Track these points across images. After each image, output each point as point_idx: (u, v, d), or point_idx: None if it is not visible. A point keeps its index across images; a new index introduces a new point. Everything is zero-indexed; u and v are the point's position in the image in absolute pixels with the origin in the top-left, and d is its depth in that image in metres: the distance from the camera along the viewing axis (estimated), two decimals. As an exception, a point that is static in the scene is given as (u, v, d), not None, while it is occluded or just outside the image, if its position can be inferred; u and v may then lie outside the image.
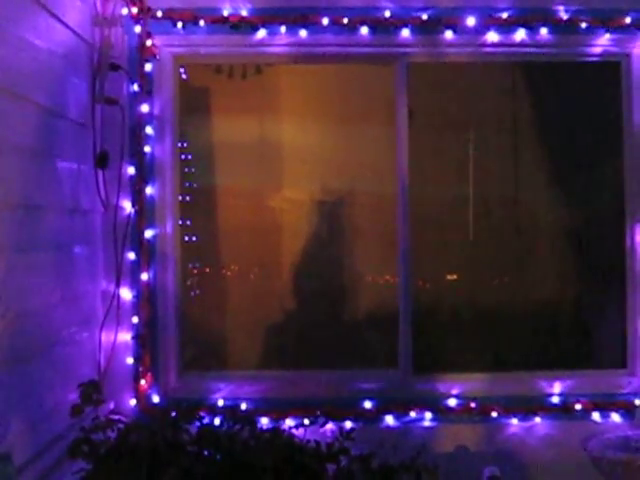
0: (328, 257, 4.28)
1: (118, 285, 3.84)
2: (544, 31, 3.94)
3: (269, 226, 4.27)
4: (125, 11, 3.84)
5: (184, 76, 4.13)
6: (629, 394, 3.97)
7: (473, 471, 3.78)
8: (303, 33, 3.92)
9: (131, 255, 3.88)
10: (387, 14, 3.91)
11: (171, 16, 3.87)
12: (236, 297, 4.26)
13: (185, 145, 4.14)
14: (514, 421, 3.93)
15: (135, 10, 3.84)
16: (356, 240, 4.28)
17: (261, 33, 3.92)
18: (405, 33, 3.94)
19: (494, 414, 3.92)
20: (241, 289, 4.26)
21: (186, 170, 4.15)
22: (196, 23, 3.88)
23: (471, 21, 3.92)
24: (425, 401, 3.95)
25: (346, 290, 4.27)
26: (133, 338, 3.87)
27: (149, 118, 3.91)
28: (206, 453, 2.93)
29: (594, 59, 4.11)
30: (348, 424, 3.75)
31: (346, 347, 4.17)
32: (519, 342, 4.19)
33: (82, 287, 3.65)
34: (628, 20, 3.91)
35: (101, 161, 3.73)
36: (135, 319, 3.87)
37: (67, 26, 3.40)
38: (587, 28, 3.93)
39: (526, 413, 3.93)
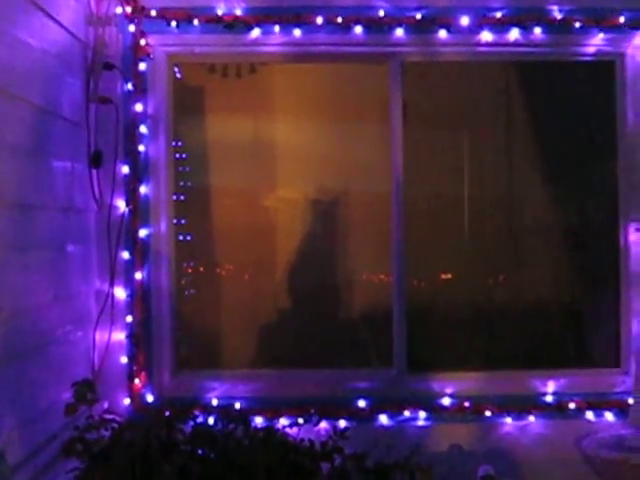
0: (322, 256, 4.29)
1: (112, 284, 3.83)
2: (538, 31, 3.95)
3: (263, 225, 4.28)
4: (119, 10, 3.84)
5: (178, 75, 4.13)
6: (623, 393, 3.97)
7: (467, 470, 3.78)
8: (297, 32, 3.92)
9: (125, 254, 3.87)
10: (381, 13, 3.92)
11: (165, 15, 3.87)
12: (230, 296, 4.26)
13: (179, 144, 4.14)
14: (508, 420, 3.93)
15: (129, 9, 3.84)
16: (350, 239, 4.29)
17: (255, 32, 3.92)
18: (399, 32, 3.94)
19: (488, 413, 3.92)
20: (235, 288, 4.25)
21: (180, 169, 4.15)
22: (190, 22, 3.87)
23: (465, 20, 3.92)
24: (419, 400, 3.95)
25: (340, 289, 4.28)
26: (127, 337, 3.86)
27: (143, 117, 3.90)
28: (200, 452, 2.93)
29: (588, 59, 4.12)
30: (342, 423, 3.75)
31: (340, 346, 4.18)
32: (513, 341, 4.20)
33: (76, 286, 3.65)
34: (622, 20, 3.92)
35: (95, 160, 3.72)
36: (129, 318, 3.87)
37: (61, 25, 3.40)
38: (581, 28, 3.94)
39: (520, 412, 3.93)
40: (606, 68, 4.11)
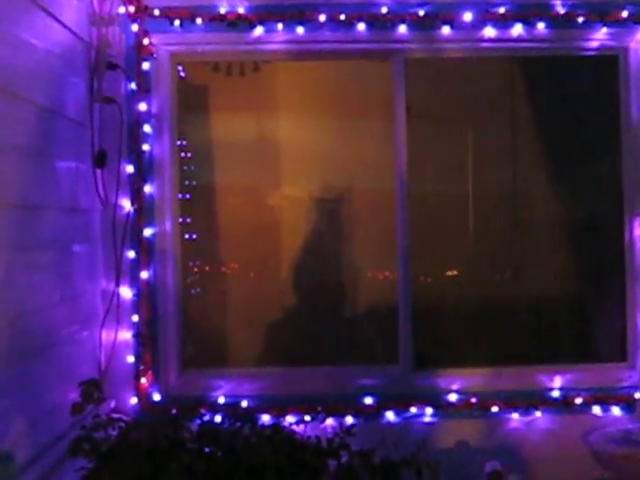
0: (327, 253, 4.29)
1: (118, 284, 3.84)
2: (541, 26, 3.94)
3: (268, 223, 4.28)
4: (122, 10, 3.84)
5: (182, 74, 4.14)
6: (629, 387, 3.97)
7: (474, 466, 3.77)
8: (300, 30, 3.92)
9: (131, 254, 3.88)
10: (384, 10, 3.91)
11: (168, 14, 3.87)
12: (236, 295, 4.27)
13: (184, 143, 4.14)
14: (515, 416, 3.93)
15: (132, 9, 3.84)
16: (355, 236, 4.29)
17: (258, 30, 3.92)
18: (402, 29, 3.94)
19: (495, 409, 3.92)
20: (241, 286, 4.26)
21: (185, 168, 4.15)
22: (193, 21, 3.87)
23: (468, 16, 3.92)
24: (426, 396, 3.95)
25: (346, 286, 4.28)
26: (133, 336, 3.87)
27: (147, 116, 3.90)
28: (207, 450, 2.93)
29: (591, 53, 4.11)
30: (349, 420, 3.77)
31: (346, 343, 4.18)
32: (519, 337, 4.20)
33: (82, 286, 3.65)
34: (625, 14, 3.91)
35: (100, 160, 3.73)
36: (135, 317, 3.87)
37: (64, 25, 3.40)
38: (584, 22, 3.93)
39: (527, 408, 3.93)
40: (610, 62, 4.10)
